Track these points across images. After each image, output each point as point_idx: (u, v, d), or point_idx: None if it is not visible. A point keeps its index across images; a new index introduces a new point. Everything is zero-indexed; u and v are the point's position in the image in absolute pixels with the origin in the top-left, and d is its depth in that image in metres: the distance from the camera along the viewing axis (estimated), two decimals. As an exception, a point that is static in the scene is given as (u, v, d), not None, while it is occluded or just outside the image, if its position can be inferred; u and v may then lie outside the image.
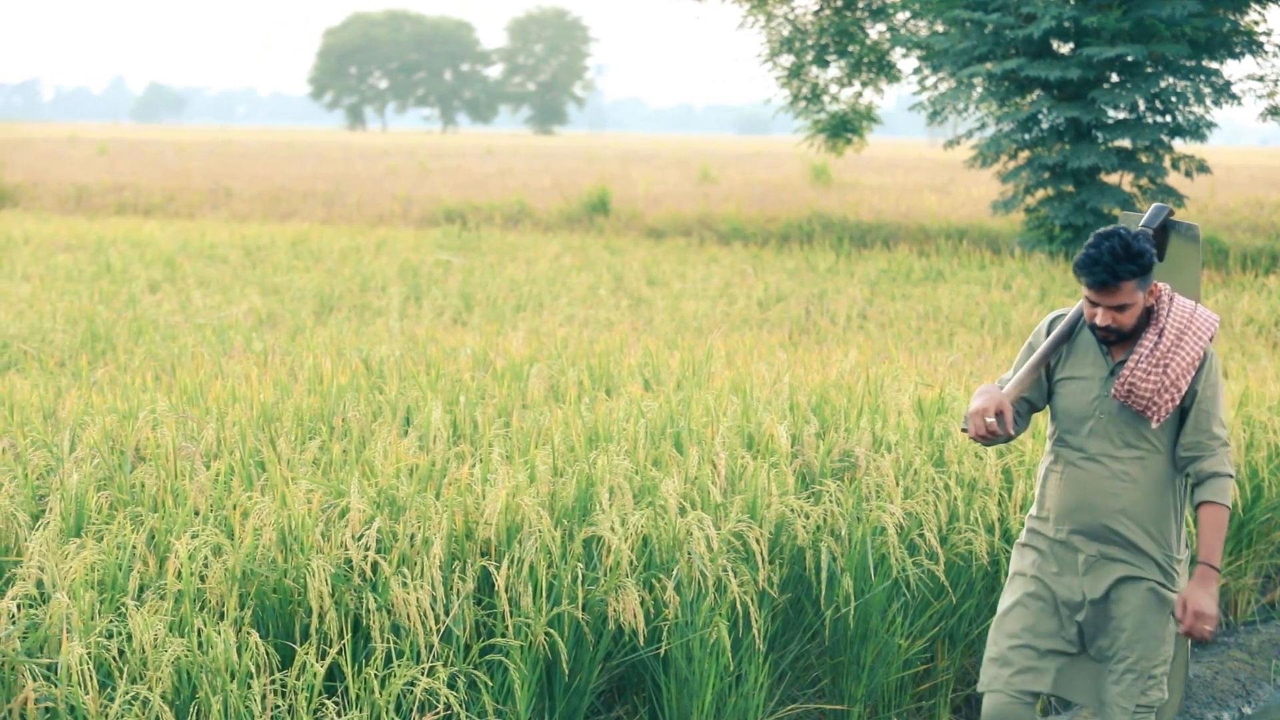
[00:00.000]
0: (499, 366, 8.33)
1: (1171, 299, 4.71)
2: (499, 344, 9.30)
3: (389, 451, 6.10)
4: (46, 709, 4.38)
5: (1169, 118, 20.10)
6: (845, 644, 5.84)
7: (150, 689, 4.41)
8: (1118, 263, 4.54)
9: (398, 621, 4.88)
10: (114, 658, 4.53)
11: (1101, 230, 4.64)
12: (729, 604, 5.41)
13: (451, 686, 4.89)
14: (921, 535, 6.05)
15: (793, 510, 5.88)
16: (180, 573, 4.85)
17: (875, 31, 24.97)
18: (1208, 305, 13.58)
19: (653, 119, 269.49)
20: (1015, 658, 4.77)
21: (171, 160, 42.12)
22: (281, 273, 15.48)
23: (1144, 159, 20.16)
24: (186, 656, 4.51)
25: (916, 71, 22.39)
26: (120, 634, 4.60)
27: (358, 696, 4.74)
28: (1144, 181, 20.20)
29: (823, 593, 5.72)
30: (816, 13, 25.07)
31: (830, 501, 6.00)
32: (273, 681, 4.68)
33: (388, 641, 4.85)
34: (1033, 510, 4.91)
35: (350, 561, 5.07)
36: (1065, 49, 20.36)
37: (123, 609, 4.72)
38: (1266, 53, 20.39)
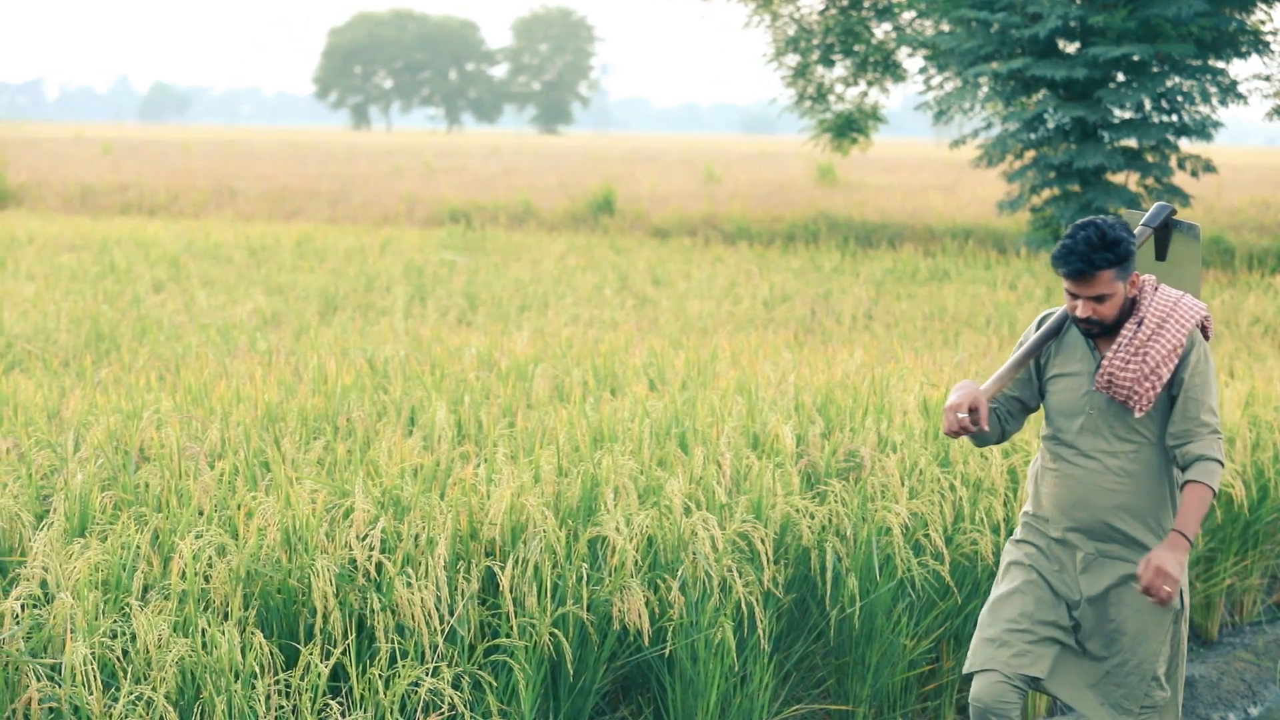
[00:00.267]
0: (504, 366, 8.33)
1: (1156, 289, 4.67)
2: (504, 344, 9.29)
3: (394, 451, 6.09)
4: (50, 709, 4.37)
5: (1175, 117, 20.06)
6: (850, 644, 5.83)
7: (154, 689, 4.40)
8: (1094, 251, 4.51)
9: (402, 622, 4.88)
10: (118, 658, 4.53)
11: (1079, 221, 4.60)
12: (734, 604, 5.41)
13: (456, 687, 4.89)
14: (927, 535, 6.04)
15: (798, 510, 5.88)
16: (184, 573, 4.84)
17: (881, 31, 24.97)
18: (1213, 305, 13.55)
19: (658, 118, 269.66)
20: (1014, 640, 4.71)
21: (176, 160, 42.12)
22: (286, 272, 15.47)
23: (1150, 158, 20.13)
24: (190, 657, 4.50)
25: (922, 71, 22.40)
26: (124, 634, 4.60)
27: (362, 697, 4.74)
28: (1150, 181, 20.18)
29: (828, 593, 5.71)
30: (822, 12, 25.08)
31: (835, 502, 5.99)
32: (277, 682, 4.68)
33: (392, 642, 4.85)
34: (1028, 507, 4.88)
35: (355, 562, 5.07)
36: (1071, 48, 20.34)
37: (127, 609, 4.71)
38: (1273, 52, 20.35)
